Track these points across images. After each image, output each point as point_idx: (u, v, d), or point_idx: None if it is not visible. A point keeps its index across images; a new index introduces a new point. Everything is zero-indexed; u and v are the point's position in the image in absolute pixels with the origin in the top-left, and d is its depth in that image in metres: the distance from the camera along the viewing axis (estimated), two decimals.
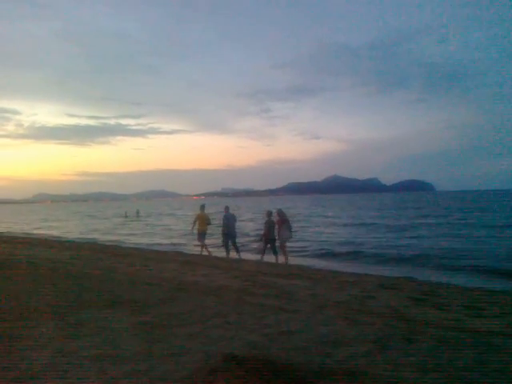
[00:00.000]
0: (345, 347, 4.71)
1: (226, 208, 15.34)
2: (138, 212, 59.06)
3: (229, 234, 14.71)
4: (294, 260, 14.57)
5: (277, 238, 13.74)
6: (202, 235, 15.35)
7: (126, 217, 56.78)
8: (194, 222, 15.37)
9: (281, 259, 13.69)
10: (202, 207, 15.68)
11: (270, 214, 14.13)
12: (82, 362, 4.26)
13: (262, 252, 14.07)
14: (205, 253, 15.49)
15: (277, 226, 13.76)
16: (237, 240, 15.39)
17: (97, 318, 5.88)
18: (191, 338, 4.95)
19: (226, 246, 14.85)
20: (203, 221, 15.22)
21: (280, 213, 13.82)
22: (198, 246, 16.46)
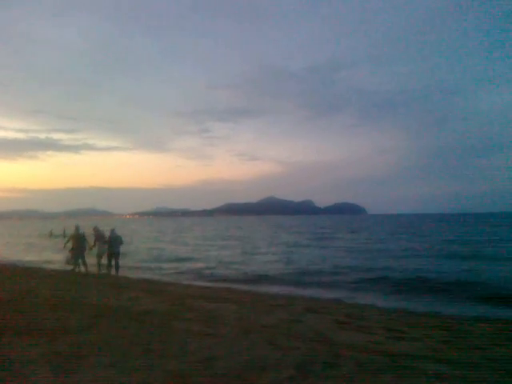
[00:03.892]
0: (268, 373, 4.66)
1: (113, 230, 16.54)
2: (64, 231, 55.75)
3: (113, 254, 16.17)
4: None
5: (96, 251, 16.17)
6: (75, 254, 16.18)
7: (51, 235, 53.52)
8: (67, 242, 16.54)
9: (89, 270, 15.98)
10: (77, 228, 16.53)
11: (77, 228, 16.16)
12: None
13: (71, 262, 16.06)
14: (77, 270, 16.28)
15: (93, 241, 16.26)
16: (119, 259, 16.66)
17: (6, 348, 5.39)
18: (107, 369, 4.66)
19: (109, 263, 16.22)
20: (77, 240, 16.19)
21: (95, 230, 16.48)
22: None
